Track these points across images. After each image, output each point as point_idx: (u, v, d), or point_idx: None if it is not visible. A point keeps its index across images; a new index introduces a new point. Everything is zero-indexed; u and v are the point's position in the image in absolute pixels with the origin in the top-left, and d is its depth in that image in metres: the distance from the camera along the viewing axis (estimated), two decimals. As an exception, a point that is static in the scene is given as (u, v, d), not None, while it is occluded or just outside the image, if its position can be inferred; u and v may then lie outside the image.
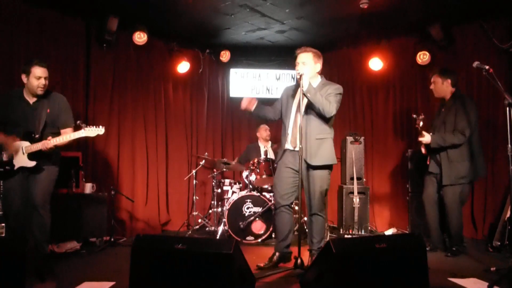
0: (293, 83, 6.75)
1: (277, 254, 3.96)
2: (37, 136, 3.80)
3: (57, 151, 3.92)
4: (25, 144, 3.79)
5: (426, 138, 4.40)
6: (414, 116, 4.37)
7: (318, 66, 3.97)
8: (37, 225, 3.78)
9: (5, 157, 3.79)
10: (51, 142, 3.75)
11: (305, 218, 5.16)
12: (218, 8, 5.42)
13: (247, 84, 7.24)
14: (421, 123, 4.31)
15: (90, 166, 5.54)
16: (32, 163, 3.77)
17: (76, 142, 5.30)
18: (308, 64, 3.89)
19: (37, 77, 3.77)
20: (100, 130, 3.89)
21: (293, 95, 3.99)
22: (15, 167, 3.79)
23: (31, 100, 3.88)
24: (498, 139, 5.41)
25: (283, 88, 4.29)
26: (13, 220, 3.83)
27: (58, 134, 3.93)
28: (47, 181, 3.87)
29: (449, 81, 4.57)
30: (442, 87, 4.60)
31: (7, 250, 2.68)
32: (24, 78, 3.80)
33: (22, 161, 3.79)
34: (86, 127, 3.83)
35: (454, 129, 4.40)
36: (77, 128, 3.88)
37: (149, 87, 6.32)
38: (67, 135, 3.81)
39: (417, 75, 6.24)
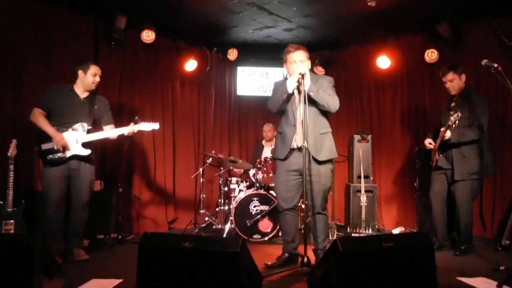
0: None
1: (286, 254, 3.96)
2: (89, 127, 4.21)
3: (95, 147, 4.35)
4: (79, 134, 4.14)
5: (448, 133, 4.31)
6: (451, 112, 4.17)
7: (309, 62, 3.94)
8: (82, 221, 4.21)
9: (49, 146, 4.06)
10: (136, 127, 4.31)
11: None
12: (226, 6, 5.43)
13: (255, 82, 7.24)
14: (456, 121, 4.15)
15: (98, 164, 5.53)
16: (87, 152, 4.16)
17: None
18: (305, 62, 3.85)
19: (94, 74, 4.25)
20: (156, 125, 4.45)
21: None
22: (67, 156, 4.08)
23: (82, 95, 4.28)
24: (506, 136, 5.38)
25: (273, 84, 4.20)
26: (52, 210, 4.03)
27: (98, 130, 4.35)
28: (91, 182, 4.30)
29: (464, 75, 4.55)
30: (460, 82, 4.55)
31: (15, 247, 2.70)
32: (81, 73, 4.24)
33: (75, 149, 4.12)
34: (142, 122, 4.36)
35: (471, 124, 4.36)
36: (134, 122, 4.35)
37: (157, 85, 6.34)
38: (131, 126, 4.29)
39: (425, 73, 6.20)
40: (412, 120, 6.39)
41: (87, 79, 4.25)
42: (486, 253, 4.49)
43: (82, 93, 4.29)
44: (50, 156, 4.05)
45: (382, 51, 6.36)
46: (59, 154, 4.06)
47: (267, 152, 6.28)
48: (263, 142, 6.55)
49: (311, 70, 4.03)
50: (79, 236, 4.24)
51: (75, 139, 4.12)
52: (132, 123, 4.34)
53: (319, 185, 3.81)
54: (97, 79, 4.30)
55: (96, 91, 4.50)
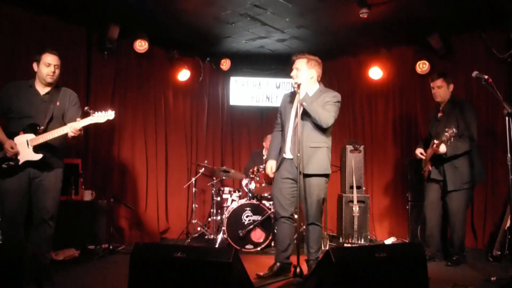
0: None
1: (277, 264, 3.93)
2: (42, 128, 3.64)
3: (61, 150, 3.81)
4: (29, 136, 3.61)
5: (442, 148, 4.33)
6: (447, 129, 4.14)
7: (313, 72, 3.90)
8: (44, 236, 3.65)
9: (1, 154, 3.60)
10: (79, 123, 3.58)
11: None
12: (219, 17, 5.45)
13: (247, 92, 7.25)
14: (452, 138, 4.16)
15: (89, 173, 5.53)
16: (38, 156, 3.59)
17: (76, 149, 5.37)
18: (301, 70, 3.86)
19: (47, 64, 3.68)
20: (110, 115, 3.72)
21: (291, 102, 3.99)
22: (20, 162, 3.58)
23: (42, 91, 3.76)
24: (497, 148, 5.41)
25: (282, 96, 4.27)
26: (8, 225, 3.63)
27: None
28: (55, 189, 3.74)
29: (452, 85, 4.61)
30: (447, 91, 4.60)
31: (5, 257, 2.67)
32: (35, 66, 3.73)
33: (27, 154, 3.59)
34: (94, 113, 3.68)
35: (461, 135, 4.39)
36: (85, 115, 3.72)
37: (150, 95, 6.33)
38: (79, 122, 3.61)
39: (416, 84, 6.25)
40: (404, 131, 6.43)
41: (41, 71, 3.69)
42: (477, 264, 4.50)
43: (42, 89, 3.76)
44: (4, 165, 3.58)
45: (374, 62, 6.42)
46: (12, 162, 3.57)
47: (265, 161, 6.27)
48: (264, 151, 6.51)
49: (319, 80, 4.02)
50: (43, 253, 3.61)
51: (27, 143, 3.60)
52: (78, 118, 3.66)
53: (311, 196, 3.81)
54: (52, 69, 3.69)
55: (58, 83, 3.90)
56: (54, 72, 3.72)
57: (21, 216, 3.65)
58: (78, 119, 3.67)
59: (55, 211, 3.69)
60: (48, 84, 3.76)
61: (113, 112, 3.76)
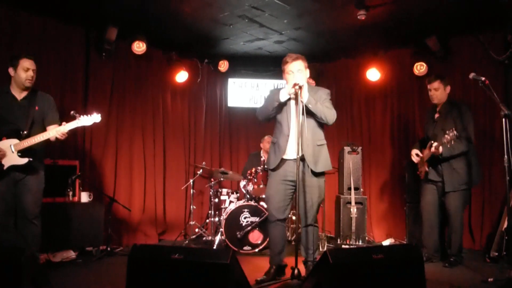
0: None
1: (274, 267, 3.90)
2: (25, 132, 3.68)
3: (42, 153, 3.85)
4: (13, 141, 3.64)
5: (440, 149, 4.34)
6: (448, 131, 4.13)
7: (308, 71, 3.92)
8: (31, 236, 3.69)
9: None
10: (66, 127, 3.67)
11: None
12: (217, 19, 5.46)
13: (245, 94, 7.26)
14: (452, 141, 4.15)
15: (87, 174, 5.52)
16: (24, 160, 3.63)
17: (74, 150, 5.36)
18: (303, 72, 3.81)
19: (25, 69, 3.72)
20: (96, 118, 3.83)
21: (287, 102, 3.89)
22: (5, 167, 3.61)
23: (19, 96, 3.79)
24: (494, 149, 5.43)
25: (269, 91, 4.13)
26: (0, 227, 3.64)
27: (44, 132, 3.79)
28: (38, 190, 3.78)
29: (449, 87, 4.61)
30: (444, 93, 4.60)
31: (3, 259, 2.67)
32: (11, 71, 3.74)
33: (12, 159, 3.62)
34: (80, 116, 3.76)
35: (459, 136, 4.39)
36: (71, 118, 3.78)
37: (148, 96, 6.33)
38: (65, 125, 3.71)
39: (414, 85, 6.27)
40: (402, 132, 6.45)
41: (19, 75, 3.71)
42: (475, 265, 4.50)
43: (19, 94, 3.78)
44: None
45: (372, 63, 6.43)
46: None
47: (263, 162, 6.28)
48: (262, 152, 6.51)
49: (310, 79, 4.03)
50: (33, 253, 3.62)
51: (11, 148, 3.63)
52: (63, 123, 3.74)
53: (314, 198, 3.79)
54: (31, 73, 3.73)
55: (35, 88, 3.90)
56: (32, 77, 3.76)
57: (11, 217, 3.70)
58: (64, 123, 3.74)
59: (39, 210, 3.74)
60: (25, 89, 3.78)
61: (99, 115, 3.87)
